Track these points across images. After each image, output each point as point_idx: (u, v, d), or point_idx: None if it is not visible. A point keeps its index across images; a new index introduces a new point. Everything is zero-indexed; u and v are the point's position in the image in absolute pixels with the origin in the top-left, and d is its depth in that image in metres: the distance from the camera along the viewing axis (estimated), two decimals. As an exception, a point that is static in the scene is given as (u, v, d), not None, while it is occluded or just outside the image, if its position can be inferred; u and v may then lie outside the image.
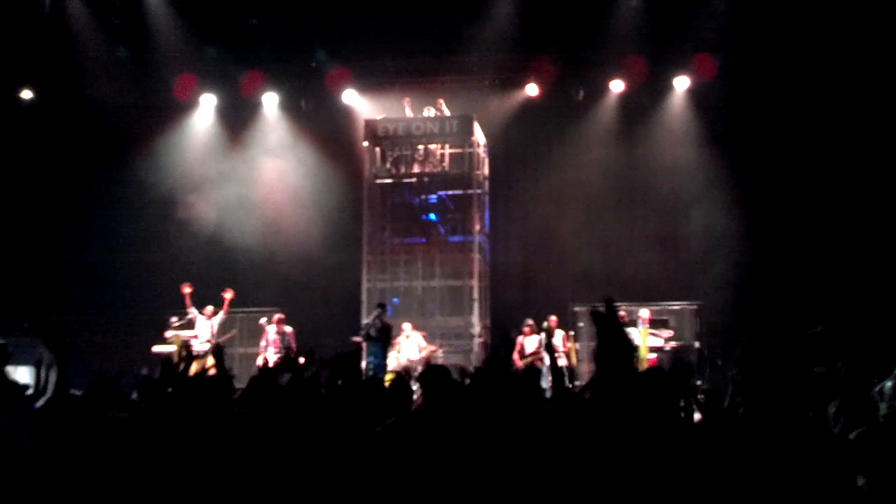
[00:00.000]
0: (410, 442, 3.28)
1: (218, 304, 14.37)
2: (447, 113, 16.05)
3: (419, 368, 13.97)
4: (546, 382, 13.51)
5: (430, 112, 16.03)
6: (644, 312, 14.12)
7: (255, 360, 14.09)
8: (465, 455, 4.13)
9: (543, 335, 14.08)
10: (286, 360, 5.97)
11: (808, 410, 4.18)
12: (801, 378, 4.20)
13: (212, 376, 5.73)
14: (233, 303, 15.08)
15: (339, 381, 5.34)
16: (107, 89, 16.95)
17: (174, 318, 14.49)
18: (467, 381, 6.19)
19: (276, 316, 14.26)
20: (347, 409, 5.28)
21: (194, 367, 6.29)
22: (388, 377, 12.83)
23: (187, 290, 14.15)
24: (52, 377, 6.32)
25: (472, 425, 4.30)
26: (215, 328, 14.23)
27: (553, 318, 14.21)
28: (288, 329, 14.15)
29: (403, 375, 11.46)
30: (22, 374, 11.82)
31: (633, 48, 15.97)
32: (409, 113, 16.16)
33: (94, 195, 17.11)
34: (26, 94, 17.40)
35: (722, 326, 15.11)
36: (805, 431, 3.97)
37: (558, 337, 14.13)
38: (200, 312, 14.23)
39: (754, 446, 3.87)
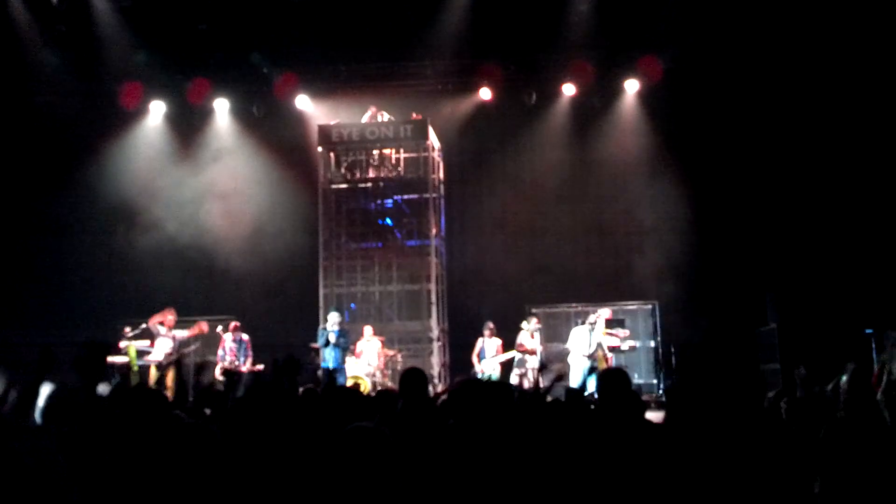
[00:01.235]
0: (367, 449, 3.29)
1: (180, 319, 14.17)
2: (384, 119, 16.07)
3: (378, 374, 14.00)
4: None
5: (379, 118, 16.03)
6: (605, 312, 14.26)
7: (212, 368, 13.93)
8: (438, 459, 4.15)
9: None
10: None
11: (754, 409, 4.27)
12: (743, 378, 4.29)
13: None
14: (188, 311, 14.91)
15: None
16: (53, 98, 16.66)
17: (128, 329, 14.27)
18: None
19: (233, 324, 14.11)
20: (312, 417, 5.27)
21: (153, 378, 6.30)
22: (349, 384, 12.89)
23: (171, 317, 13.85)
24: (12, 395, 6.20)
25: (448, 431, 4.33)
26: (177, 342, 14.03)
27: (535, 318, 14.34)
28: (245, 337, 14.02)
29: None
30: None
31: (584, 52, 16.14)
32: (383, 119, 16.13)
33: (43, 205, 16.78)
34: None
35: (677, 325, 15.34)
36: (750, 430, 4.06)
37: (538, 340, 14.24)
38: (162, 324, 14.00)
39: (699, 446, 3.94)
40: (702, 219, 15.80)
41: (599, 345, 13.70)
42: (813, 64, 15.05)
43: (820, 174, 15.15)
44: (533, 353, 14.03)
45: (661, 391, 14.92)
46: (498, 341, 14.27)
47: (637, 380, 14.68)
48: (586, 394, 9.66)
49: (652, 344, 15.51)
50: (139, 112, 17.31)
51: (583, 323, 14.11)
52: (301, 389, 6.51)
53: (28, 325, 16.00)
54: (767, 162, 15.55)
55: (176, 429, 4.39)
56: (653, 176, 16.28)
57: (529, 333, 14.19)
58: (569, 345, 14.03)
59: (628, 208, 16.52)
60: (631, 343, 14.55)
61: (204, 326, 14.08)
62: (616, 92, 16.87)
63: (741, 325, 14.72)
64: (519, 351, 14.10)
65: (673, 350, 15.09)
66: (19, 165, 16.87)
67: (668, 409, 5.37)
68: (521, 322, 14.39)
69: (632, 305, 15.68)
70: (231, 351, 13.83)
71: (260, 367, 13.61)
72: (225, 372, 13.47)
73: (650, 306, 15.69)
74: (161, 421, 4.95)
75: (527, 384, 13.56)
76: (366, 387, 13.13)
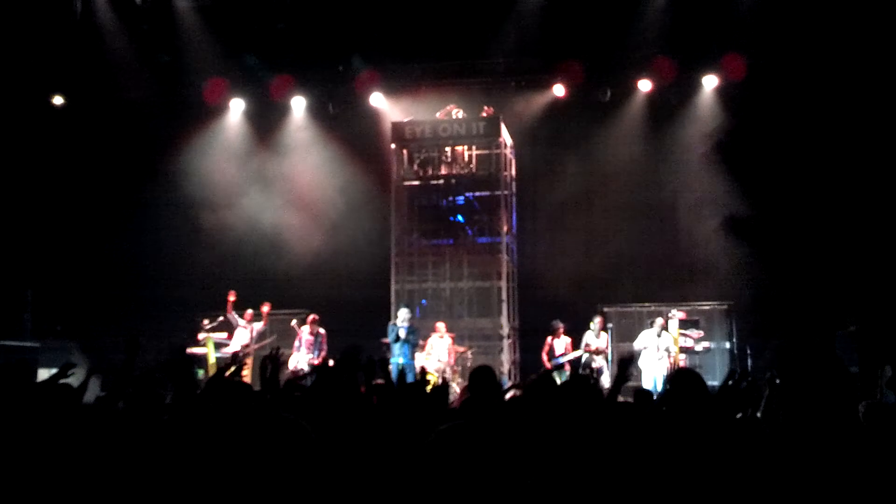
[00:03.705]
0: (465, 448, 3.31)
1: (256, 311, 14.54)
2: (458, 116, 16.11)
3: (448, 371, 14.07)
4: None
5: (457, 114, 16.07)
6: (677, 313, 14.09)
7: (286, 360, 14.18)
8: (514, 458, 4.16)
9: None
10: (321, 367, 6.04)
11: (847, 412, 4.16)
12: (841, 379, 4.17)
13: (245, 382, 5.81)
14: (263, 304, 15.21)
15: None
16: (137, 94, 17.15)
17: (206, 321, 14.64)
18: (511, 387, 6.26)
19: (311, 317, 14.32)
20: (386, 413, 5.34)
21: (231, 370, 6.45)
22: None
23: (232, 297, 14.28)
24: (91, 381, 6.45)
25: (519, 428, 4.35)
26: (255, 334, 14.37)
27: (599, 318, 14.27)
28: (322, 330, 14.23)
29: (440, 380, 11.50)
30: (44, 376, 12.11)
31: (661, 48, 15.91)
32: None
33: (126, 199, 17.32)
34: (58, 100, 17.63)
35: (753, 327, 15.03)
36: (845, 433, 3.96)
37: (603, 339, 14.21)
38: (241, 316, 14.37)
39: (796, 448, 3.86)
40: (779, 219, 15.44)
41: (668, 349, 13.59)
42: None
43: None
44: (599, 352, 13.99)
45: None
46: (567, 340, 14.23)
47: (711, 381, 14.42)
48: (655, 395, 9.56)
49: (727, 346, 15.24)
50: (219, 108, 17.70)
51: (652, 325, 14.02)
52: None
53: (110, 314, 16.54)
54: (848, 163, 15.09)
55: (271, 423, 4.49)
56: (729, 175, 15.93)
57: (595, 333, 14.14)
58: (636, 346, 13.95)
59: (704, 207, 16.22)
60: (705, 344, 14.35)
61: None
62: (693, 88, 16.57)
63: (820, 327, 14.35)
64: (586, 351, 14.07)
65: (749, 352, 14.79)
66: (106, 161, 17.42)
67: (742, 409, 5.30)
68: (592, 319, 14.38)
69: (706, 306, 15.43)
70: (307, 343, 14.04)
71: (332, 363, 13.78)
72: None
73: (725, 307, 15.41)
74: (254, 414, 5.08)
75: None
76: (436, 382, 13.21)
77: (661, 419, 5.14)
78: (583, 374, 11.01)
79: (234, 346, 14.12)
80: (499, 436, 4.22)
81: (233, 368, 5.89)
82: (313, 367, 13.59)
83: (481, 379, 5.52)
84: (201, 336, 14.41)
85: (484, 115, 16.00)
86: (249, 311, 14.35)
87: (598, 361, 13.98)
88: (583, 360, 14.02)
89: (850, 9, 14.35)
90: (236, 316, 14.23)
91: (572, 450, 4.14)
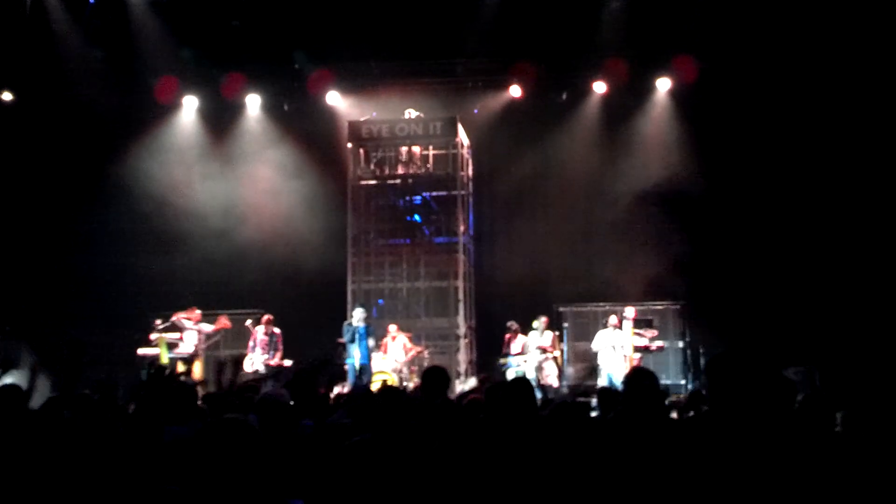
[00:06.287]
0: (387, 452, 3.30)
1: (205, 313, 14.39)
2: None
3: (405, 370, 14.06)
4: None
5: (410, 114, 16.07)
6: (629, 311, 14.22)
7: (241, 361, 14.04)
8: (462, 459, 4.17)
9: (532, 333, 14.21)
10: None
11: (784, 414, 4.21)
12: (773, 382, 4.21)
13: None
14: (217, 304, 15.05)
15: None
16: (89, 92, 16.83)
17: (158, 321, 14.43)
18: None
19: (266, 317, 14.22)
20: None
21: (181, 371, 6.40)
22: (376, 379, 12.95)
23: (154, 334, 14.20)
24: (40, 380, 6.32)
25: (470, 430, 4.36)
26: (203, 335, 14.22)
27: (544, 318, 14.32)
28: (277, 330, 14.13)
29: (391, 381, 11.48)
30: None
31: (615, 50, 16.07)
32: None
33: (77, 198, 17.00)
34: (6, 96, 17.26)
35: (706, 326, 15.22)
36: (783, 435, 4.01)
37: (547, 337, 14.24)
38: (187, 318, 14.20)
39: (728, 449, 3.90)
40: (732, 218, 15.66)
41: (622, 346, 13.73)
42: (865, 70, 14.82)
43: (854, 176, 14.97)
44: (546, 350, 14.06)
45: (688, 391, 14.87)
46: (524, 339, 14.30)
47: (665, 380, 14.61)
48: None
49: (680, 344, 15.43)
50: (173, 106, 17.46)
51: (606, 325, 14.18)
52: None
53: (61, 315, 16.23)
54: (801, 165, 15.37)
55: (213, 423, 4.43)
56: (684, 175, 16.11)
57: (539, 332, 14.20)
58: (593, 346, 14.09)
59: (659, 207, 16.38)
60: (659, 343, 14.50)
61: (226, 321, 14.23)
62: (647, 90, 16.78)
63: (770, 327, 14.58)
64: (539, 349, 14.13)
65: (702, 351, 14.99)
66: (57, 158, 17.09)
67: (694, 409, 5.36)
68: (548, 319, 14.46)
69: (660, 305, 15.61)
70: (262, 344, 13.94)
71: (288, 363, 13.72)
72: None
73: (679, 306, 15.61)
74: (195, 414, 5.03)
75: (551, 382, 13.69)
76: (393, 382, 13.20)
77: (620, 421, 5.16)
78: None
79: (187, 347, 13.98)
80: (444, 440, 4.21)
81: (184, 368, 5.82)
82: (271, 369, 13.50)
83: (433, 379, 5.55)
84: (154, 336, 14.21)
85: (410, 115, 15.97)
86: (198, 312, 14.20)
87: (547, 368, 14.04)
88: (536, 361, 14.08)
89: (797, 11, 14.60)
90: (183, 319, 14.11)
91: (532, 448, 4.15)
